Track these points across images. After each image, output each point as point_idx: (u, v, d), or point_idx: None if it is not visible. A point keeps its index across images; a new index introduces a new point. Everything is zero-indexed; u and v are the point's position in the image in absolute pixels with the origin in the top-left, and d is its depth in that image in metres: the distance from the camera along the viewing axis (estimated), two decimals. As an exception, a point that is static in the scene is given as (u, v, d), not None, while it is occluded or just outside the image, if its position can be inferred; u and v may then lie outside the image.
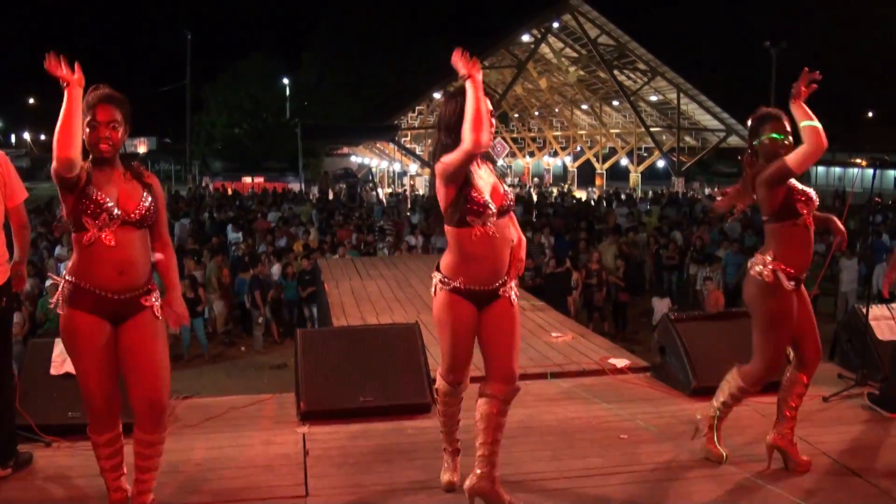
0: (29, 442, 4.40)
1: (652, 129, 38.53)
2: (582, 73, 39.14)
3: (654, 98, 39.61)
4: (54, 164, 3.07)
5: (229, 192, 33.65)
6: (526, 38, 35.81)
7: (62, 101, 3.01)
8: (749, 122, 4.12)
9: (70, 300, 3.27)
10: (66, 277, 3.28)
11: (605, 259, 13.72)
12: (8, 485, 3.99)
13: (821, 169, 46.28)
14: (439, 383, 3.83)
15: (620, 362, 6.32)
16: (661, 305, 12.18)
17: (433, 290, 3.59)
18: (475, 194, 3.35)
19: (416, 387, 5.17)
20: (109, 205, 3.23)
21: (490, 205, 3.37)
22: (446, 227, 3.43)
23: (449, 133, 3.39)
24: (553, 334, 7.40)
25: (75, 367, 3.37)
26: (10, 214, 4.07)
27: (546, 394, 5.56)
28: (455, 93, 3.44)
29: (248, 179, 40.76)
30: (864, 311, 5.68)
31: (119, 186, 3.31)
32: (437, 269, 3.57)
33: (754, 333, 4.01)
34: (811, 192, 3.96)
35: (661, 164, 40.98)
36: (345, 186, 35.74)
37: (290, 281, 13.08)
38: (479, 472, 3.57)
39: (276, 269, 13.53)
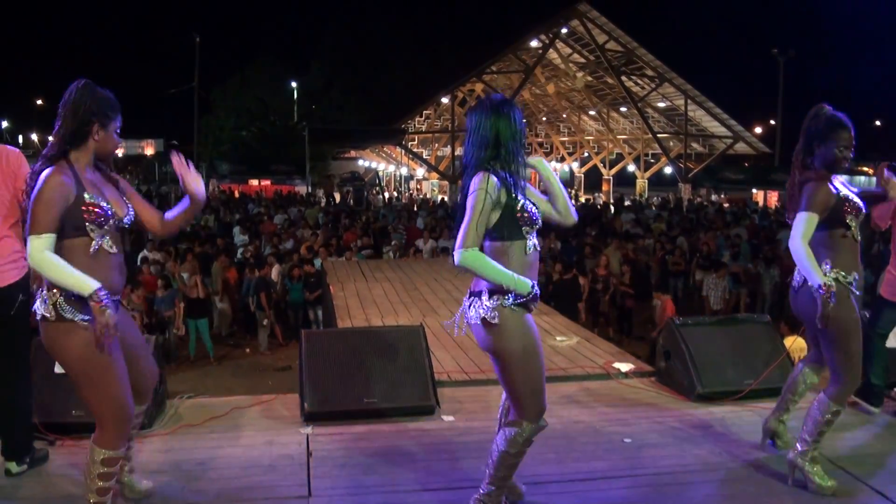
0: (34, 440, 4.41)
1: (659, 135, 38.42)
2: (589, 78, 39.08)
3: (661, 104, 39.56)
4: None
5: (236, 194, 33.75)
6: (534, 43, 35.78)
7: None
8: (813, 121, 3.89)
9: (82, 310, 3.12)
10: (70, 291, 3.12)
11: (611, 264, 13.71)
12: (10, 482, 4.00)
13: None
14: (531, 430, 3.38)
15: (625, 366, 6.31)
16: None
17: (484, 316, 3.23)
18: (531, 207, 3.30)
19: (420, 389, 5.17)
20: (111, 211, 3.23)
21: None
22: (495, 243, 3.26)
23: (485, 147, 3.25)
24: (557, 338, 7.39)
25: (100, 379, 3.16)
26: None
27: (550, 397, 5.51)
28: (483, 105, 3.32)
29: (254, 182, 40.82)
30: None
31: (106, 189, 3.31)
32: (479, 293, 3.27)
33: (824, 347, 3.92)
34: (859, 201, 3.90)
35: (668, 170, 40.93)
36: (351, 190, 35.80)
37: (295, 283, 13.08)
38: None
39: (275, 270, 13.54)
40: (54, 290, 3.12)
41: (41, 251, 3.04)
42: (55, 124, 3.19)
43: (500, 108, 3.28)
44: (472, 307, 3.30)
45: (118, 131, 3.30)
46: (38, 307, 3.15)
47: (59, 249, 3.12)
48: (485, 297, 3.25)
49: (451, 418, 5.07)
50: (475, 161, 3.26)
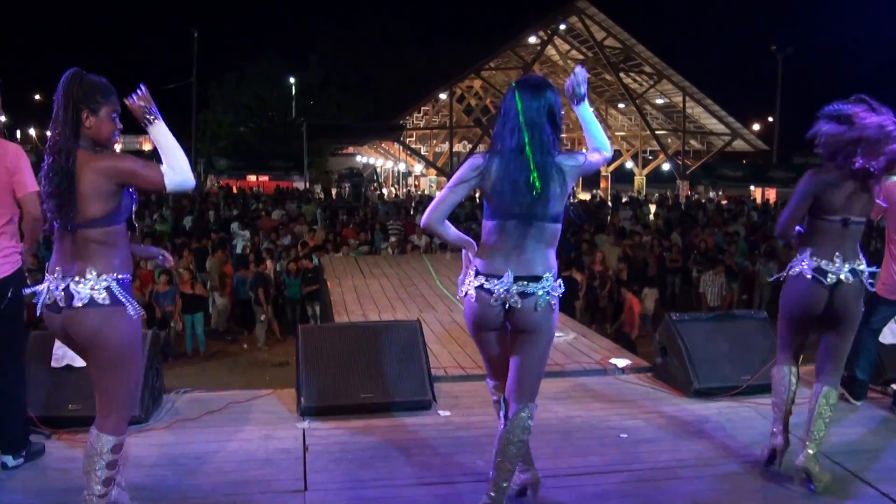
0: (30, 434, 4.41)
1: (657, 133, 38.41)
2: (587, 75, 39.06)
3: (659, 101, 39.53)
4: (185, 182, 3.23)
5: (234, 190, 33.74)
6: (532, 39, 35.74)
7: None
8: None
9: (130, 299, 3.20)
10: (119, 276, 3.17)
11: (608, 261, 13.73)
12: (6, 476, 4.00)
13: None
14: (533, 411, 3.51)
15: (622, 362, 6.32)
16: (650, 294, 12.42)
17: (552, 299, 3.35)
18: None
19: (416, 384, 5.17)
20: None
21: None
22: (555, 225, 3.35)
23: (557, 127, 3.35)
24: (555, 334, 7.38)
25: (134, 364, 3.28)
26: (20, 204, 4.06)
27: (547, 392, 5.52)
28: (548, 84, 3.40)
29: (252, 178, 40.79)
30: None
31: None
32: (553, 275, 3.34)
33: (844, 340, 3.92)
34: None
35: (665, 167, 40.90)
36: (349, 186, 35.77)
37: (293, 279, 13.08)
38: None
39: (269, 265, 13.56)
40: (106, 275, 3.14)
41: None
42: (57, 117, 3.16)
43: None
44: (543, 291, 3.32)
45: (115, 115, 3.24)
46: (84, 291, 3.12)
47: (112, 234, 3.18)
48: (553, 281, 3.35)
49: (447, 413, 5.07)
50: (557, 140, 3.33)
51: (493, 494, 3.38)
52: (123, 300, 3.16)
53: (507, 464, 3.38)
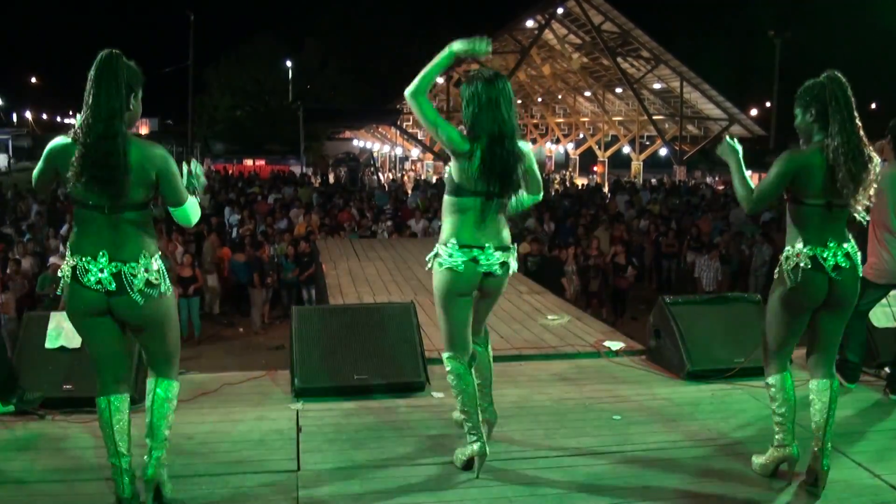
0: (23, 415, 4.42)
1: (654, 118, 38.33)
2: (585, 59, 38.88)
3: (657, 86, 39.37)
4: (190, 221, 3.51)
5: (231, 174, 33.69)
6: (530, 23, 35.57)
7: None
8: None
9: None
10: (159, 256, 3.36)
11: (600, 245, 13.77)
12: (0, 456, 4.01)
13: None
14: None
15: (615, 345, 6.33)
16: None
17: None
18: None
19: (410, 365, 5.18)
20: None
21: None
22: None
23: None
24: (549, 317, 7.41)
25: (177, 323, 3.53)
26: None
27: (540, 375, 5.57)
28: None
29: (249, 162, 40.72)
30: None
31: None
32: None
33: (840, 325, 3.84)
34: None
35: (663, 152, 40.82)
36: (346, 170, 35.71)
37: (290, 262, 13.07)
38: None
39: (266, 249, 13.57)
40: (155, 258, 3.30)
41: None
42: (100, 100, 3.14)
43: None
44: (513, 259, 3.90)
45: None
46: (144, 276, 3.25)
47: (148, 217, 3.33)
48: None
49: (440, 395, 5.07)
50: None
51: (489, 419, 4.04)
52: (168, 279, 3.37)
53: (490, 383, 4.12)
